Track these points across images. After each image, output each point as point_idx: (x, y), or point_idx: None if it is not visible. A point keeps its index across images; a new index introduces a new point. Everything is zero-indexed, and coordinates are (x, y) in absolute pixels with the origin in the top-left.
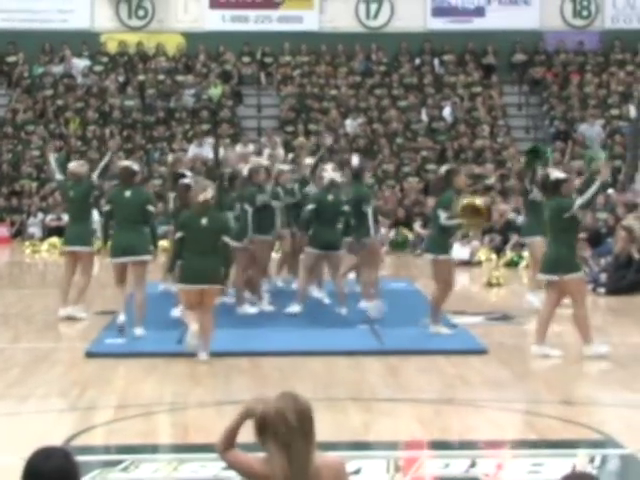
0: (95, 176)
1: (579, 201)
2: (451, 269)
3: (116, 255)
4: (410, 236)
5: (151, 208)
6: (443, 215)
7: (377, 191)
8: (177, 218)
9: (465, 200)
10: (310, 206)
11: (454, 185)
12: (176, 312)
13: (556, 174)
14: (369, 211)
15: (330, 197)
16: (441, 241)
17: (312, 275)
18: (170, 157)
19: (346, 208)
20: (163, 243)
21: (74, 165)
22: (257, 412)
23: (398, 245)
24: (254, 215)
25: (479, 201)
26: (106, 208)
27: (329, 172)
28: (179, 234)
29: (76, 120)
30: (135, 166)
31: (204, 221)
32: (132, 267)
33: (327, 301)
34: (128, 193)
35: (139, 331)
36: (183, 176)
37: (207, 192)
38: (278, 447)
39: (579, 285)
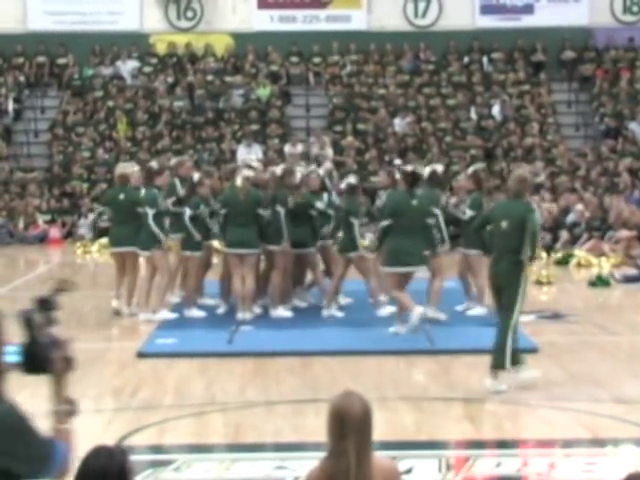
0: None
1: None
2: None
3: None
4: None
5: (142, 209)
6: (356, 222)
7: None
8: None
9: None
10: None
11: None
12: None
13: None
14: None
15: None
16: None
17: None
18: (173, 160)
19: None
20: None
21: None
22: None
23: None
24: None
25: None
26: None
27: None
28: (223, 211)
29: (124, 120)
30: (128, 169)
31: (241, 197)
32: (128, 257)
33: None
34: (122, 195)
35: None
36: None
37: (243, 172)
38: (342, 445)
39: None
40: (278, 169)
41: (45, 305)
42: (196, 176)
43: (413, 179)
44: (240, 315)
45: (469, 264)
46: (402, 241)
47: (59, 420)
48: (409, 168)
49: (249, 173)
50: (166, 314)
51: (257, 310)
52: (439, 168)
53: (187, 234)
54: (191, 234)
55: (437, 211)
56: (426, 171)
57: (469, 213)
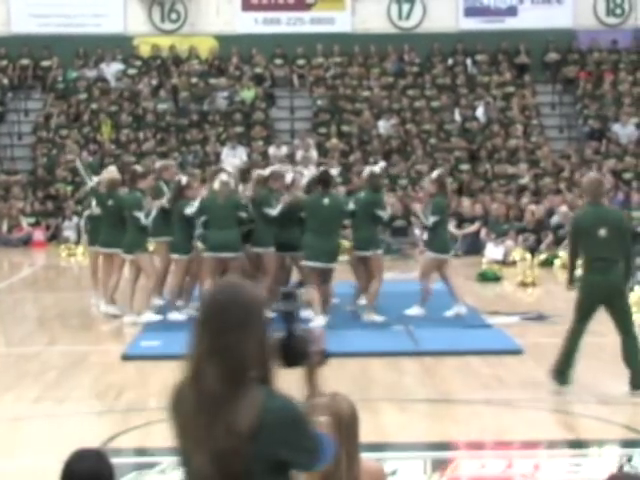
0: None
1: None
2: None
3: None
4: None
5: (130, 213)
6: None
7: (411, 192)
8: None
9: None
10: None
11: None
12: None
13: None
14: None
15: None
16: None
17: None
18: (157, 164)
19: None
20: None
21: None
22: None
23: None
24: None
25: None
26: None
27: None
28: (203, 217)
29: (108, 123)
30: (117, 174)
31: (221, 201)
32: (115, 259)
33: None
34: (110, 201)
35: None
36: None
37: (221, 176)
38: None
39: None
40: (265, 171)
41: (289, 297)
42: (184, 179)
43: (326, 180)
44: None
45: (438, 267)
46: (316, 239)
47: (314, 412)
48: (322, 169)
49: (227, 177)
50: (151, 316)
51: None
52: (376, 169)
53: (175, 237)
54: (182, 236)
55: (381, 213)
56: (365, 172)
57: (432, 219)
